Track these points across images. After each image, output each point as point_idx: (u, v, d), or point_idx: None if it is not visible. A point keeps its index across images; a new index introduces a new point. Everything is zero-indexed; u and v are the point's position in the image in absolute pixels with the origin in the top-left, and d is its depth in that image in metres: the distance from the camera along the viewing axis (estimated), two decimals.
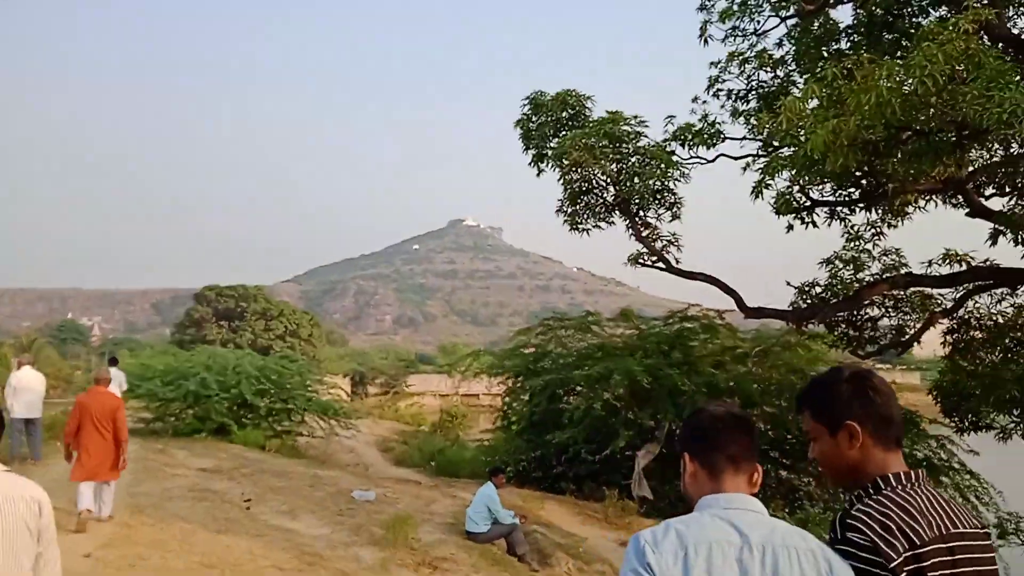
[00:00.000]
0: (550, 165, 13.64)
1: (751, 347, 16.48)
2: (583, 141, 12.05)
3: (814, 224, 11.23)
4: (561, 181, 13.07)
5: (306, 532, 9.89)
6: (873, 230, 11.78)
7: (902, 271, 12.55)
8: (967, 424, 14.15)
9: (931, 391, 14.49)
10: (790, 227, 11.27)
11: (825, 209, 11.45)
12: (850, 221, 11.60)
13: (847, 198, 11.23)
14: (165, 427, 19.28)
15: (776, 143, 11.39)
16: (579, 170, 12.45)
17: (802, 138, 8.75)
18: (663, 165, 12.42)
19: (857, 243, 11.76)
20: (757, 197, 10.24)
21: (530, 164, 14.01)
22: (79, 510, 8.86)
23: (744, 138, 12.84)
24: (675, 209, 13.00)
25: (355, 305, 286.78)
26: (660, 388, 14.76)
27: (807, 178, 9.94)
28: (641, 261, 12.73)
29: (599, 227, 13.92)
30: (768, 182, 10.21)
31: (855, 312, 13.25)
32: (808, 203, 11.24)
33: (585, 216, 13.62)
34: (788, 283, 13.00)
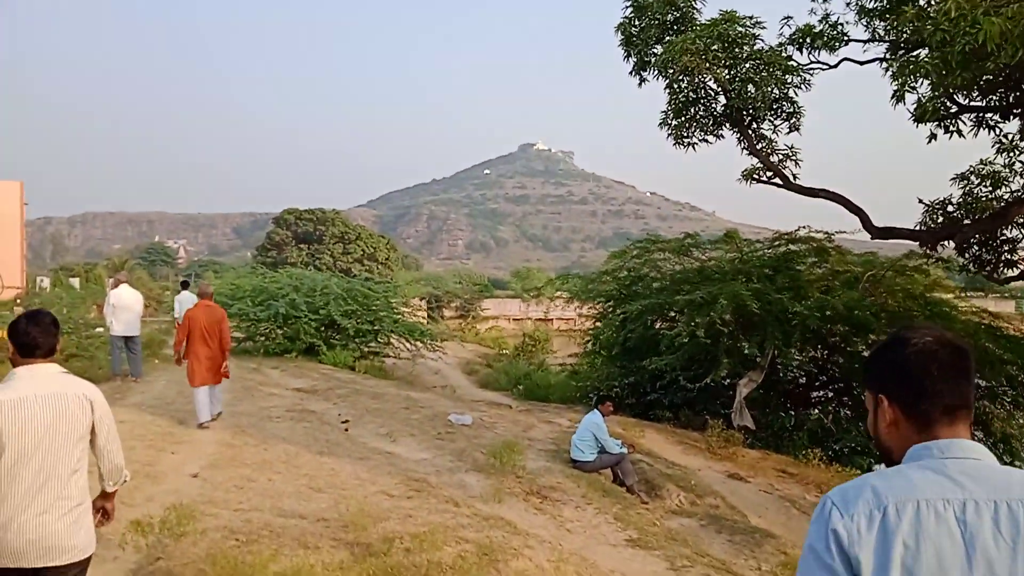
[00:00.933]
0: (654, 73, 12.71)
1: (863, 271, 15.41)
2: (694, 44, 11.04)
3: (959, 133, 10.11)
4: (667, 90, 12.14)
5: (408, 456, 9.62)
6: None
7: None
8: None
9: None
10: (932, 136, 10.17)
11: (972, 116, 10.28)
12: (1001, 129, 10.38)
13: (1000, 103, 10.03)
14: (256, 346, 19.43)
15: (911, 44, 10.25)
16: (689, 77, 11.49)
17: (964, 31, 7.68)
18: (780, 71, 11.36)
19: (1011, 154, 10.53)
20: (898, 102, 9.21)
21: (631, 73, 13.10)
22: (200, 422, 9.78)
23: (872, 39, 11.64)
24: (794, 120, 11.97)
25: (428, 230, 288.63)
26: (767, 314, 13.92)
27: (961, 79, 8.83)
28: (756, 177, 11.80)
29: (706, 141, 13.02)
30: (913, 85, 9.17)
31: (990, 233, 12.12)
32: (955, 109, 10.10)
33: (691, 129, 12.70)
34: (919, 200, 11.91)
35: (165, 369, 14.76)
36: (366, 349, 20.69)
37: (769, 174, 11.82)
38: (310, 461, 8.67)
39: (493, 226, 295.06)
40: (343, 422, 11.32)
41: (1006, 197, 11.69)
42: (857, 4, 11.58)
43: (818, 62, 11.79)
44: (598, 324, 18.08)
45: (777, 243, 15.87)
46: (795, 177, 11.96)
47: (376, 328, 20.54)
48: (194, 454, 8.48)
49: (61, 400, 3.38)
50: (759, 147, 11.88)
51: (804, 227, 15.57)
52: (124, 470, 3.76)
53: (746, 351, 14.56)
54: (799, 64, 11.49)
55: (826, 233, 15.76)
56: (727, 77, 11.18)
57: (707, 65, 10.96)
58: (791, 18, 11.76)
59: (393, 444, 10.25)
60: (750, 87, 11.31)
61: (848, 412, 15.02)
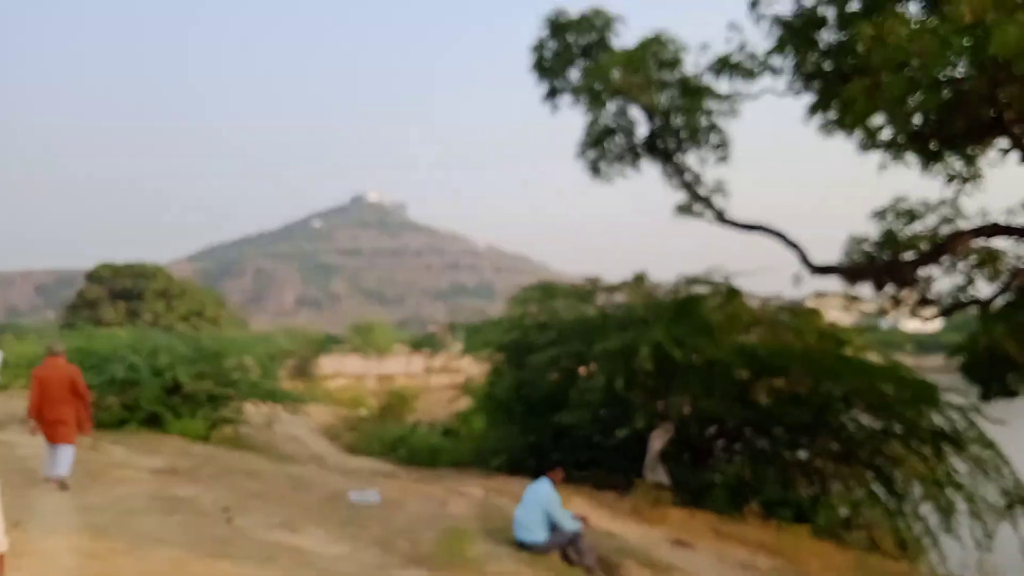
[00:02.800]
0: (569, 100, 11.70)
1: (760, 314, 15.02)
2: (627, 64, 10.10)
3: (914, 162, 9.69)
4: (588, 115, 11.13)
5: (322, 551, 7.71)
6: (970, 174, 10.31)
7: (963, 225, 11.23)
8: (993, 390, 13.24)
9: (956, 351, 13.49)
10: (883, 166, 9.69)
11: (919, 146, 9.92)
12: (948, 163, 10.07)
13: (955, 132, 9.69)
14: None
15: (838, 73, 9.80)
16: (618, 100, 10.52)
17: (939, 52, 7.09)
18: (705, 99, 10.62)
19: (961, 186, 10.24)
20: (853, 128, 8.58)
21: (545, 98, 12.04)
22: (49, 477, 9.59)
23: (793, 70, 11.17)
24: (721, 150, 11.26)
25: (254, 285, 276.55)
26: (686, 362, 13.05)
27: (928, 101, 8.30)
28: (690, 211, 10.91)
29: (622, 175, 12.10)
30: (861, 113, 8.58)
31: (912, 271, 11.88)
32: (902, 138, 9.68)
33: (609, 160, 11.74)
34: (851, 235, 11.49)
35: None
36: (217, 417, 18.10)
37: (699, 207, 11.01)
38: (203, 570, 6.61)
39: (325, 281, 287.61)
40: (224, 510, 9.16)
41: (922, 232, 11.49)
42: (777, 33, 11.10)
43: (736, 93, 11.20)
44: (490, 379, 16.62)
45: (681, 286, 15.12)
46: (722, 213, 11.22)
47: (230, 392, 18.00)
48: (47, 572, 6.20)
49: None
50: (687, 180, 11.06)
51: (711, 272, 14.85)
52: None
53: (659, 403, 13.67)
54: (723, 94, 10.80)
55: (723, 277, 15.22)
56: (662, 101, 10.25)
57: (643, 86, 10.00)
58: (708, 47, 11.13)
59: (295, 536, 8.27)
60: (678, 115, 10.48)
61: (763, 463, 14.35)
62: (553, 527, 8.41)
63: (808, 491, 14.25)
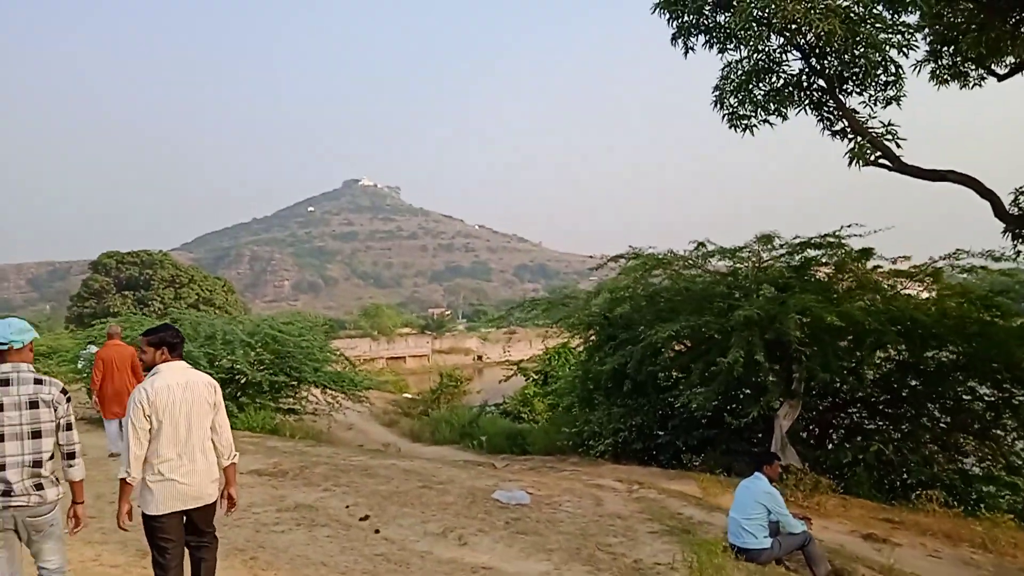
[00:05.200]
0: (706, 39, 10.22)
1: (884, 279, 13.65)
2: None
3: None
4: (747, 51, 9.67)
5: (519, 570, 6.35)
6: None
7: None
8: None
9: None
10: None
11: None
12: None
13: None
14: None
15: None
16: (787, 33, 9.07)
17: None
18: (877, 30, 9.14)
19: None
20: None
21: (673, 39, 10.56)
22: (111, 452, 10.80)
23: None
24: (893, 90, 9.81)
25: (251, 272, 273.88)
26: (836, 327, 11.68)
27: None
28: (863, 158, 9.46)
29: (768, 122, 10.65)
30: None
31: None
32: None
33: (755, 106, 10.27)
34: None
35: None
36: (284, 406, 16.74)
37: (877, 154, 9.59)
38: None
39: (321, 265, 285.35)
40: (362, 518, 7.82)
41: None
42: None
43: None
44: (583, 357, 15.21)
45: (798, 249, 13.69)
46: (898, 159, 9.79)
47: (296, 380, 16.62)
48: None
49: (196, 386, 4.52)
50: (855, 122, 9.63)
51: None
52: (233, 447, 4.71)
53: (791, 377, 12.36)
54: (901, 24, 9.34)
55: (836, 236, 13.79)
56: (838, 33, 8.75)
57: (815, 15, 8.54)
58: None
59: (468, 549, 6.92)
60: (851, 47, 9.01)
61: (904, 440, 13.04)
62: (775, 531, 7.07)
63: (948, 469, 12.93)
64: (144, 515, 4.40)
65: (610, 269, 15.66)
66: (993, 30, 10.06)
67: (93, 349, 12.71)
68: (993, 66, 11.69)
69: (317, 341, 17.88)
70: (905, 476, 12.70)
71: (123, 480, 4.33)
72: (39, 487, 4.05)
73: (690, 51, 10.41)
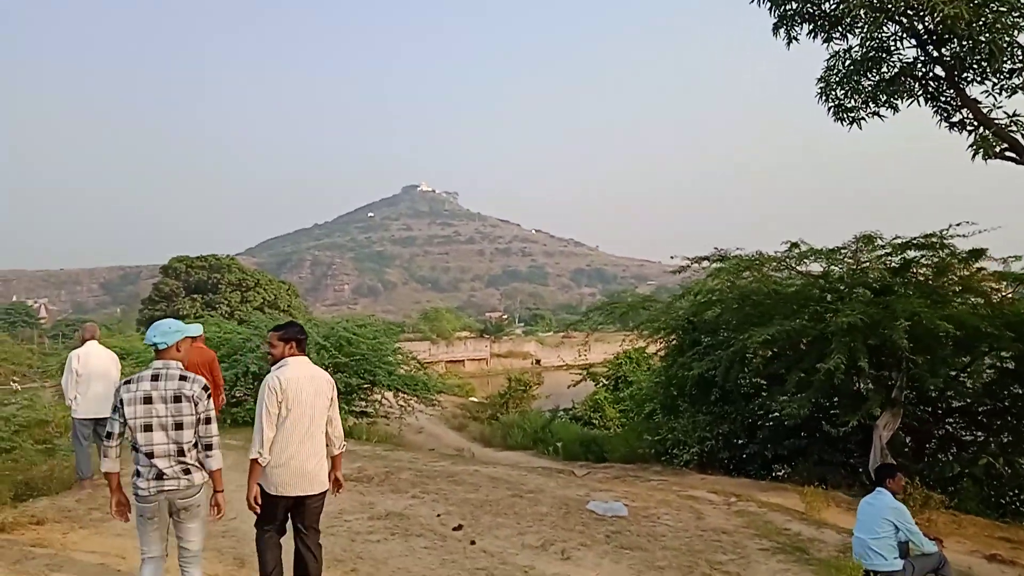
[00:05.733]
0: (811, 27, 9.66)
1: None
2: None
3: None
4: (859, 38, 9.09)
5: None
6: None
7: None
8: None
9: None
10: None
11: None
12: None
13: None
14: (221, 416, 14.99)
15: None
16: (896, 19, 8.47)
17: None
18: (1004, 13, 8.46)
19: None
20: None
21: (775, 28, 10.03)
22: None
23: None
24: (1020, 77, 9.10)
25: (312, 276, 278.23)
26: (931, 336, 11.01)
27: None
28: (990, 149, 8.77)
29: (878, 114, 10.03)
30: None
31: None
32: None
33: (864, 97, 9.66)
34: None
35: None
36: (356, 409, 16.60)
37: (1004, 145, 8.90)
38: None
39: (380, 269, 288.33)
40: (455, 528, 7.49)
41: None
42: None
43: None
44: (666, 363, 14.65)
45: (898, 249, 12.93)
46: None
47: (370, 382, 16.46)
48: None
49: (316, 380, 4.89)
50: (986, 112, 8.96)
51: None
52: (343, 438, 5.11)
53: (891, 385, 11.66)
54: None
55: (939, 236, 12.99)
56: (964, 14, 8.10)
57: None
58: None
59: (574, 565, 6.53)
60: (983, 32, 8.36)
61: (1013, 451, 12.21)
62: (904, 551, 6.51)
63: None
64: (262, 493, 4.73)
65: (693, 272, 15.07)
66: None
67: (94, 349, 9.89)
68: None
69: (390, 344, 17.71)
70: (1017, 492, 11.88)
71: (254, 460, 4.68)
72: (187, 471, 4.39)
73: (794, 40, 9.86)
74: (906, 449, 13.01)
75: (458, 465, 11.26)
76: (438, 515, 7.93)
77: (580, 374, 24.11)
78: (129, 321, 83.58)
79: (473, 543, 7.04)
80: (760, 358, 12.21)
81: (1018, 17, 8.47)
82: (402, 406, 17.49)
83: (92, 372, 8.29)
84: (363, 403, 17.09)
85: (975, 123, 9.08)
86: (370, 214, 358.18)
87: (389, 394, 17.29)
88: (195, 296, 67.06)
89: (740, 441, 13.49)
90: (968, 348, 11.64)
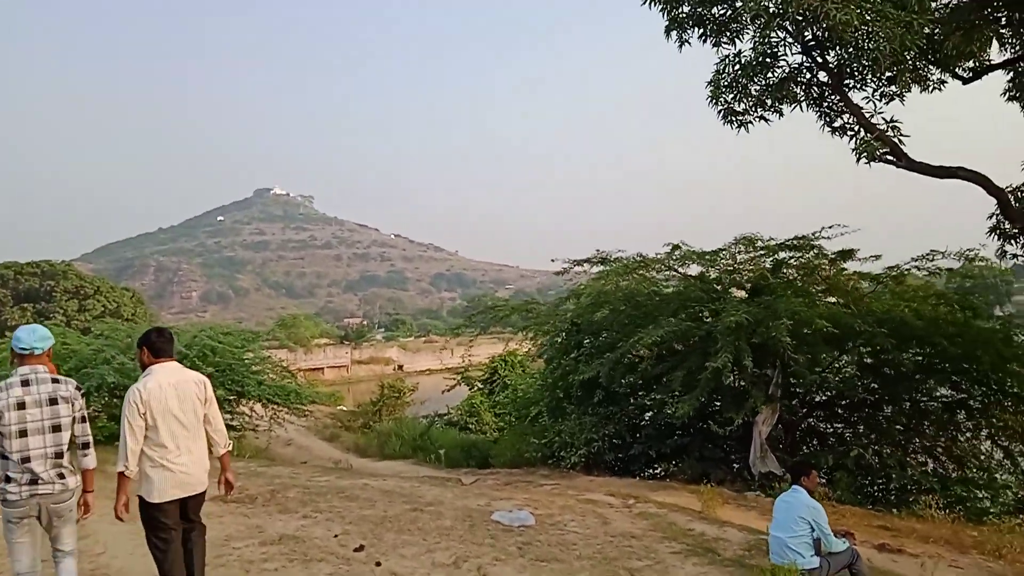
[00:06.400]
0: (701, 32, 9.78)
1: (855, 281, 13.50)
2: None
3: None
4: (751, 43, 9.25)
5: None
6: None
7: None
8: None
9: None
10: None
11: None
12: None
13: None
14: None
15: None
16: (799, 21, 8.68)
17: None
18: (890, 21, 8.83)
19: None
20: None
21: (667, 31, 10.09)
22: None
23: None
24: (903, 82, 9.51)
25: (156, 282, 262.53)
26: (808, 334, 11.45)
27: None
28: (871, 154, 9.11)
29: (764, 118, 10.28)
30: None
31: None
32: None
33: (752, 101, 9.88)
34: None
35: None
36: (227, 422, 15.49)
37: (885, 150, 9.26)
38: None
39: (231, 275, 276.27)
40: (356, 549, 6.94)
41: None
42: None
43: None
44: (551, 365, 14.52)
45: (773, 250, 13.36)
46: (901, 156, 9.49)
47: (236, 394, 15.41)
48: None
49: (187, 384, 4.90)
50: (861, 117, 9.31)
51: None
52: (227, 436, 5.16)
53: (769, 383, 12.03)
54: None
55: (805, 239, 13.57)
56: (855, 22, 8.34)
57: (832, 4, 8.15)
58: None
59: None
60: (866, 39, 8.67)
61: (882, 443, 12.88)
62: (819, 548, 6.56)
63: (924, 472, 12.80)
64: (145, 503, 4.70)
65: (575, 274, 15.04)
66: (980, 30, 9.92)
67: None
68: (958, 69, 11.67)
69: (259, 353, 16.71)
70: (883, 481, 12.52)
71: (120, 473, 4.68)
72: (61, 476, 4.45)
73: (685, 44, 9.94)
74: (781, 444, 13.47)
75: (345, 479, 10.64)
76: (335, 535, 7.35)
77: (453, 378, 23.75)
78: None
79: (379, 564, 6.53)
80: (647, 359, 12.26)
81: (900, 25, 8.85)
82: (272, 418, 16.54)
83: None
84: (229, 416, 15.98)
85: (856, 127, 9.46)
86: (220, 218, 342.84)
87: (258, 405, 16.29)
88: (25, 305, 61.56)
89: (625, 441, 13.53)
90: (838, 344, 12.16)
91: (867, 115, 9.34)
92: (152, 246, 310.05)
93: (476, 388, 23.00)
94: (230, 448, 5.15)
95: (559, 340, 14.37)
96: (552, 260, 14.71)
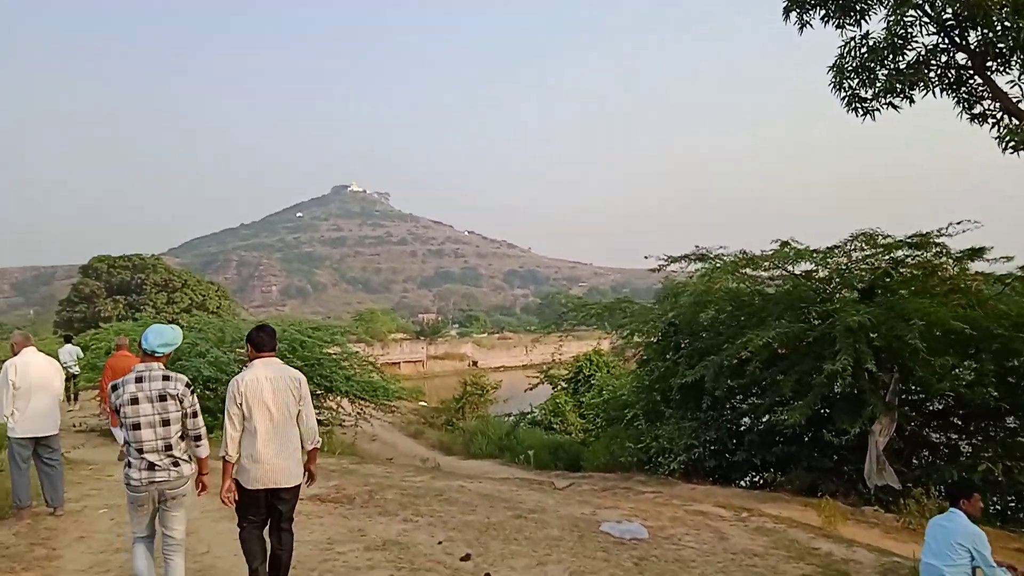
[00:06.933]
0: (824, 12, 9.06)
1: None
2: None
3: None
4: (888, 19, 8.52)
5: None
6: None
7: None
8: None
9: None
10: None
11: None
12: None
13: None
14: None
15: None
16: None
17: None
18: None
19: None
20: None
21: (786, 10, 9.41)
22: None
23: None
24: None
25: (239, 276, 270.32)
26: (936, 337, 10.59)
27: None
28: (1021, 140, 8.28)
29: (893, 105, 9.50)
30: None
31: None
32: None
33: (879, 87, 9.11)
34: None
35: (98, 481, 9.15)
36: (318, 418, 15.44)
37: None
38: None
39: (309, 270, 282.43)
40: (463, 559, 6.56)
41: None
42: None
43: None
44: (648, 366, 13.93)
45: (878, 252, 12.44)
46: None
47: (325, 389, 15.33)
48: None
49: (283, 379, 5.02)
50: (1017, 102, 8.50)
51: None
52: (317, 433, 5.23)
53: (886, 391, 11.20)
54: None
55: (925, 235, 12.59)
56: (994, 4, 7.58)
57: None
58: None
59: None
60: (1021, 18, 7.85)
61: (1004, 455, 11.88)
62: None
63: None
64: (239, 488, 4.92)
65: (671, 272, 14.42)
66: None
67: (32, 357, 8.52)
68: None
69: (347, 348, 16.62)
70: (1013, 499, 11.57)
71: (224, 459, 4.91)
72: (176, 464, 4.77)
73: (806, 26, 9.26)
74: (900, 456, 12.61)
75: (440, 480, 10.32)
76: (439, 542, 6.99)
77: (537, 376, 23.33)
78: (43, 323, 79.20)
79: None
80: (754, 363, 11.57)
81: None
82: (358, 413, 16.45)
83: (32, 384, 7.05)
84: (317, 411, 15.93)
85: (1000, 114, 8.64)
86: (299, 214, 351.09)
87: (345, 401, 16.21)
88: (118, 297, 63.88)
89: (727, 448, 12.87)
90: (963, 349, 11.25)
91: (1013, 100, 8.51)
92: (235, 241, 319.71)
93: (560, 387, 22.53)
94: (319, 445, 5.27)
95: (655, 341, 13.78)
96: (645, 257, 14.11)
